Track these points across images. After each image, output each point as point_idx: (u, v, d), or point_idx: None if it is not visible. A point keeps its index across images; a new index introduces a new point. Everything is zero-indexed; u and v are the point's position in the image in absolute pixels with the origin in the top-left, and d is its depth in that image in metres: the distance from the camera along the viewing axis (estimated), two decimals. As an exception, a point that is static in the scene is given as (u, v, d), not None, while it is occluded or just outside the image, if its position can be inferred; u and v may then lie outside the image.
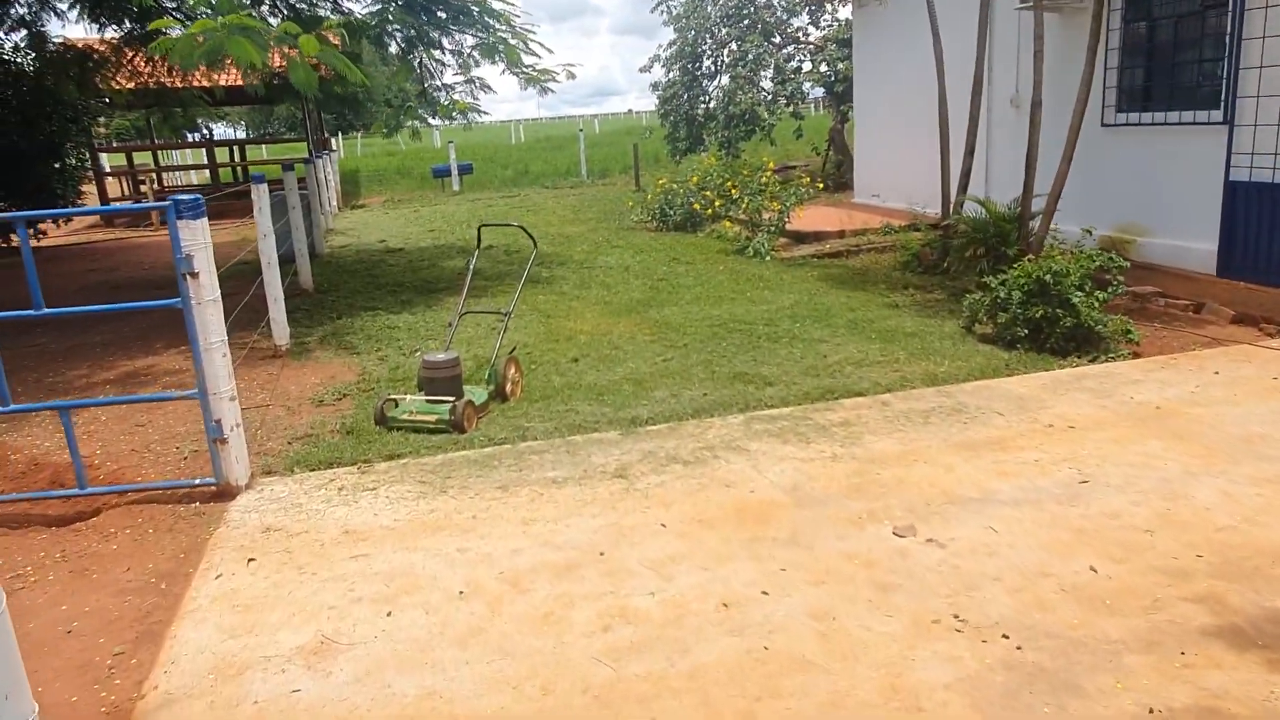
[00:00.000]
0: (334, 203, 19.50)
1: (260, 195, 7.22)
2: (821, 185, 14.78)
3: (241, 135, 53.66)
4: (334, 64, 7.09)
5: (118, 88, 13.18)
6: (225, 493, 4.63)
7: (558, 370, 6.70)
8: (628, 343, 7.41)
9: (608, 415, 5.61)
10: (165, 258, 13.85)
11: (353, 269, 11.97)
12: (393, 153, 36.57)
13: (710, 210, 13.88)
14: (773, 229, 11.38)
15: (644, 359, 6.90)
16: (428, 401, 5.57)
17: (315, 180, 13.14)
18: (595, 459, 4.89)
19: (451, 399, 5.52)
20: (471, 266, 6.74)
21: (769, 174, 14.37)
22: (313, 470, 4.97)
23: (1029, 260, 6.90)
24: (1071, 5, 9.33)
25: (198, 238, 4.31)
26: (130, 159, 22.60)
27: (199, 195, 4.34)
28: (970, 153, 9.16)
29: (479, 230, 6.87)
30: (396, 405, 5.62)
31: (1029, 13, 10.07)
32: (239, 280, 10.20)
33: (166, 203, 4.25)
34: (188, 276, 4.33)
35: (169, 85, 13.04)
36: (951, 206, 9.45)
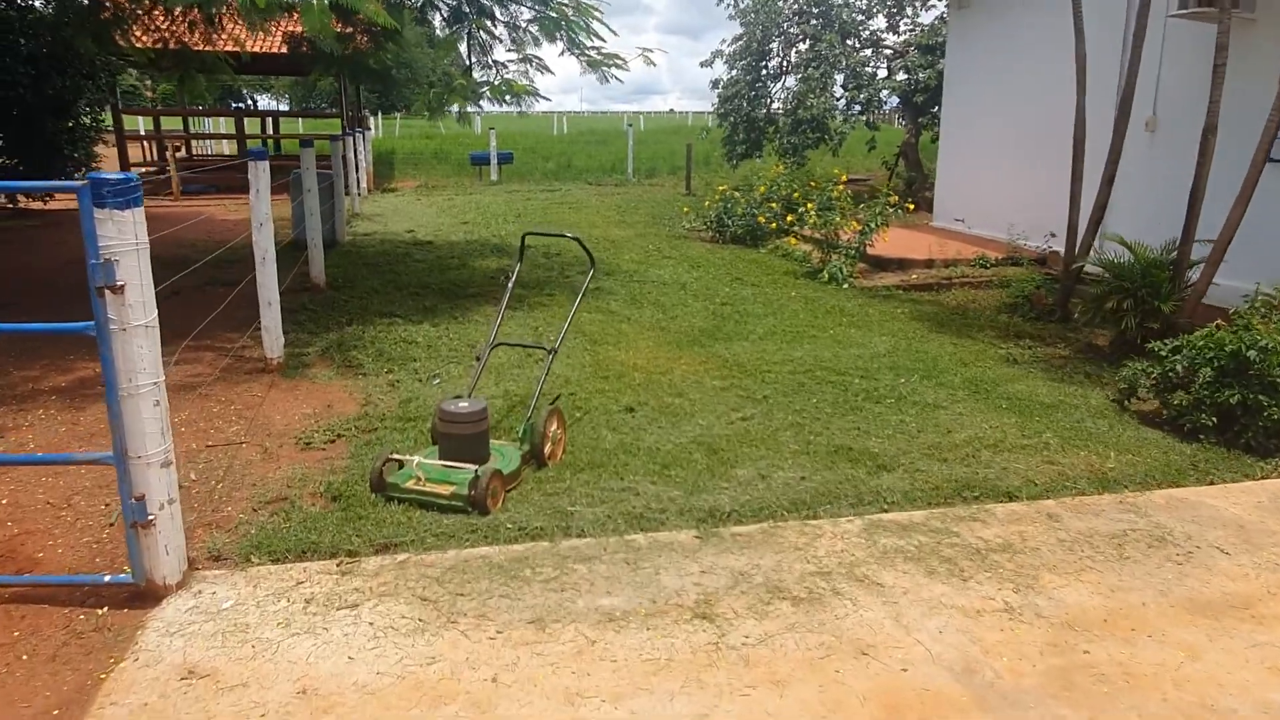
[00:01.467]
0: (364, 185, 18.26)
1: (258, 174, 5.89)
2: (901, 202, 13.37)
3: (284, 108, 52.84)
4: (360, 6, 5.76)
5: (139, 45, 11.96)
6: (147, 595, 3.29)
7: (608, 422, 5.32)
8: (693, 387, 6.02)
9: (677, 501, 4.23)
10: (184, 234, 12.63)
11: (374, 262, 10.66)
12: (431, 135, 35.40)
13: (775, 224, 12.45)
14: (852, 252, 9.94)
15: (715, 413, 5.50)
16: (443, 466, 4.21)
17: (339, 160, 11.86)
18: (666, 579, 3.50)
19: (473, 466, 4.16)
20: (510, 286, 5.35)
21: (841, 188, 12.94)
22: (276, 562, 3.61)
23: (1217, 327, 5.43)
24: (1241, 16, 7.82)
25: (127, 235, 2.97)
26: (158, 123, 21.48)
27: (132, 175, 3.00)
28: (1109, 183, 7.68)
29: (522, 240, 5.49)
30: (400, 467, 4.26)
31: (1177, 23, 8.59)
32: (244, 266, 8.89)
33: (81, 183, 2.91)
34: (108, 291, 3.00)
35: (190, 46, 11.78)
36: (1079, 244, 7.97)
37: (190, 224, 13.18)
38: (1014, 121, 11.20)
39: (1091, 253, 7.85)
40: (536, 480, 4.44)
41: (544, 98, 8.35)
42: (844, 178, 13.28)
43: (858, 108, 15.96)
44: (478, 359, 5.00)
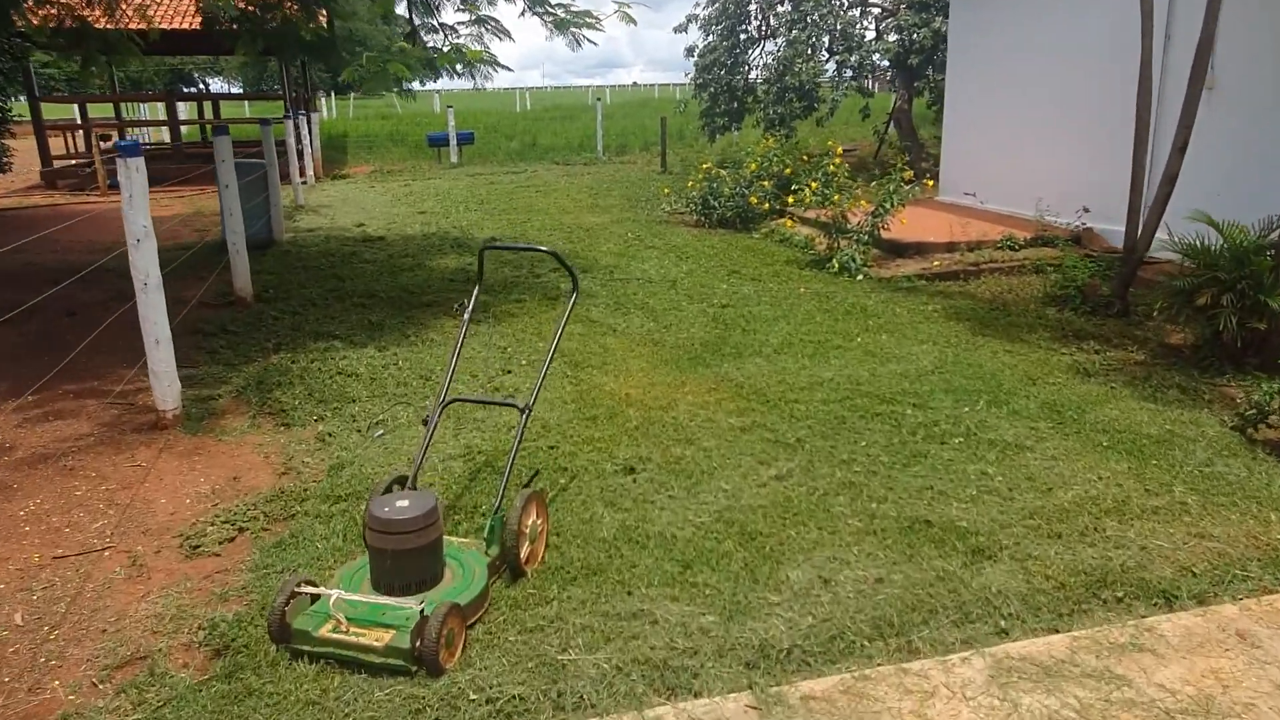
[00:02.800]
0: (311, 173, 16.72)
1: (130, 176, 4.49)
2: (918, 178, 12.16)
3: (238, 91, 50.43)
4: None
5: (36, 24, 10.41)
6: None
7: (603, 491, 4.04)
8: (705, 430, 4.74)
9: (712, 632, 2.97)
10: (97, 235, 11.11)
11: (315, 265, 9.25)
12: (386, 116, 33.63)
13: (768, 205, 11.17)
14: (864, 237, 8.68)
15: (740, 470, 4.24)
16: (373, 603, 2.91)
17: (272, 147, 10.37)
18: (719, 806, 2.24)
19: (414, 601, 2.86)
20: (466, 317, 4.00)
21: (838, 160, 11.67)
22: (106, 799, 2.31)
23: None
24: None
25: None
26: (84, 111, 19.70)
27: None
28: (1181, 150, 6.46)
29: (481, 256, 4.13)
30: (313, 604, 2.96)
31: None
32: (169, 278, 7.41)
33: None
34: None
35: (91, 22, 10.22)
36: (1142, 225, 6.76)
37: (87, 221, 11.66)
38: (1037, 82, 9.96)
39: (1142, 231, 6.64)
40: (510, 602, 3.15)
41: (503, 67, 7.05)
42: (839, 150, 12.01)
43: (849, 72, 14.66)
44: (425, 422, 3.69)
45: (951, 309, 7.22)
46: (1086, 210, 9.10)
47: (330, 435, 4.77)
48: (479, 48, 7.06)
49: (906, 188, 8.78)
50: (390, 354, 6.15)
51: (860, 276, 8.36)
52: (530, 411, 3.61)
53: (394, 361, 5.99)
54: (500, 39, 7.17)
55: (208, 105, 25.77)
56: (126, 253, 4.61)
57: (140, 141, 22.09)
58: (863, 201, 9.05)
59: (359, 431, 4.82)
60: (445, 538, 3.24)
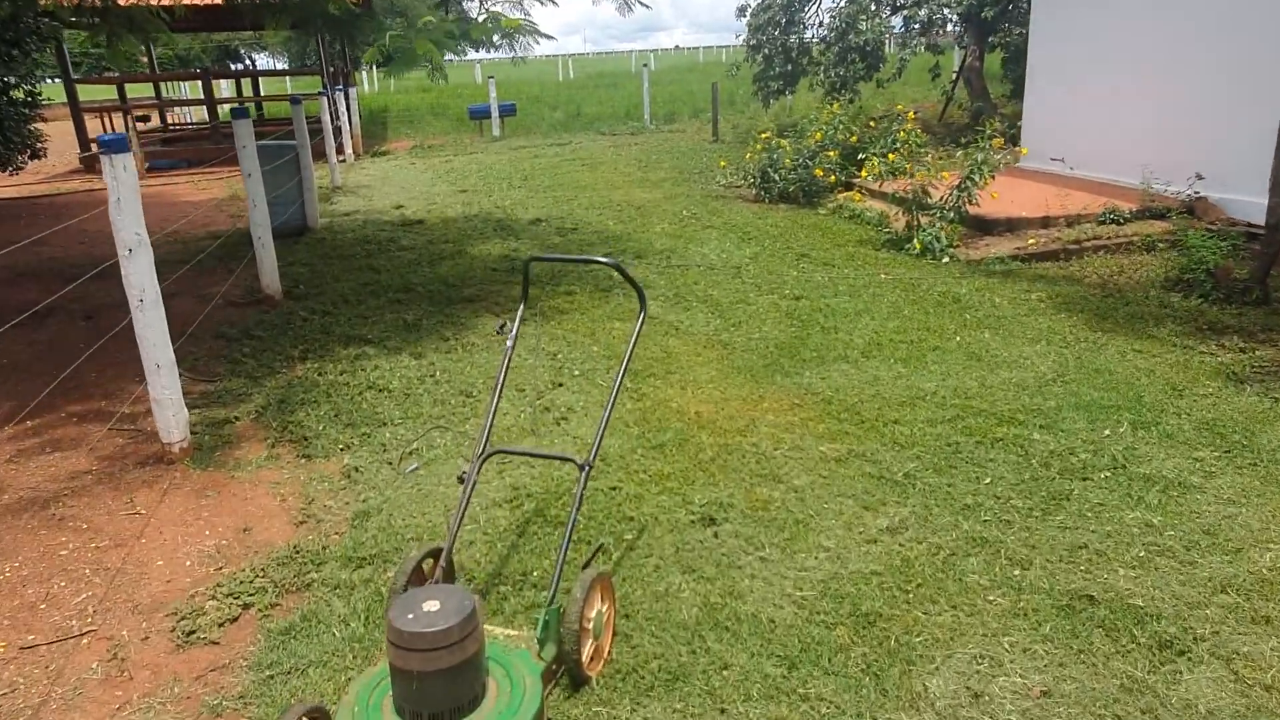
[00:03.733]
0: (349, 151, 16.14)
1: (118, 175, 3.84)
2: (1008, 145, 11.15)
3: (283, 66, 50.12)
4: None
5: (61, 1, 9.89)
6: None
7: (679, 552, 3.33)
8: (793, 461, 4.00)
9: (838, 777, 2.25)
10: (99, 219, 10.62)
11: (349, 254, 8.63)
12: (428, 89, 32.97)
13: (834, 178, 10.28)
14: (949, 214, 7.78)
15: (841, 520, 3.50)
16: (394, 744, 2.24)
17: (303, 126, 9.74)
18: None
19: (450, 745, 2.19)
20: (511, 345, 3.27)
21: (910, 126, 10.71)
22: None
23: None
24: None
25: None
26: (122, 91, 19.34)
27: None
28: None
29: (526, 269, 3.38)
30: (320, 739, 2.30)
31: None
32: (191, 267, 6.80)
33: None
34: None
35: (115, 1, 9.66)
36: (1290, 197, 5.80)
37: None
38: (1141, 27, 8.88)
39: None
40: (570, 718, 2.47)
41: (544, 35, 6.25)
42: (911, 114, 11.04)
43: (916, 27, 13.56)
44: (461, 479, 3.01)
45: (1059, 297, 6.34)
46: (1200, 177, 8.09)
47: (357, 470, 4.13)
48: (518, 15, 6.28)
49: (998, 156, 7.84)
50: (427, 363, 5.49)
51: (946, 259, 7.49)
52: (591, 468, 2.90)
53: (431, 373, 5.33)
54: (542, 3, 6.38)
55: (247, 82, 25.39)
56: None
57: (178, 123, 21.62)
58: (944, 173, 8.13)
59: (389, 464, 4.18)
60: (488, 629, 2.58)
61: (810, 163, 10.34)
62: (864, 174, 8.73)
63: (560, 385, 5.05)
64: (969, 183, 7.70)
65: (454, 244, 9.01)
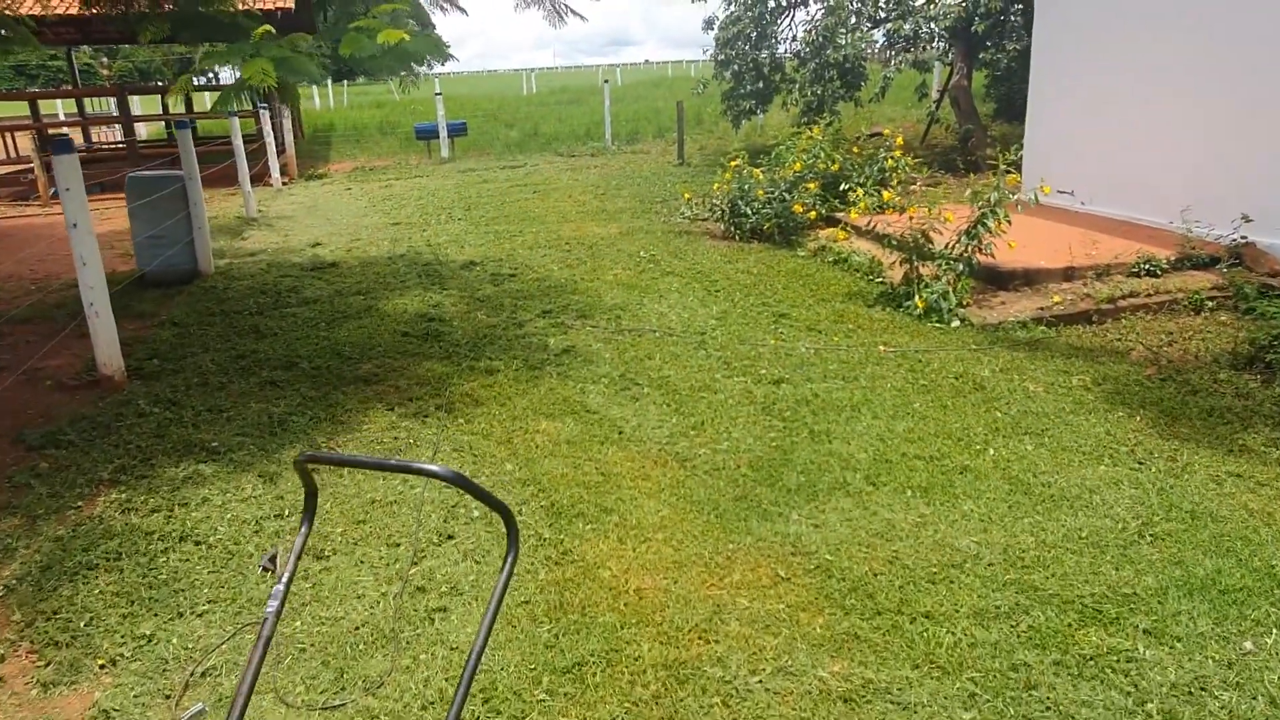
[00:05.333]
0: (276, 175, 14.60)
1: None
2: (1005, 174, 9.94)
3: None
4: None
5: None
6: None
7: None
8: (779, 696, 2.60)
9: None
10: (14, 256, 9.07)
11: (235, 309, 7.14)
12: (382, 104, 31.45)
13: (815, 214, 8.95)
14: (959, 266, 6.44)
15: None
16: None
17: (190, 153, 8.20)
18: None
19: None
20: (285, 581, 1.83)
21: (898, 153, 9.45)
22: None
23: None
24: None
25: None
26: (35, 108, 17.66)
27: None
28: None
29: (303, 472, 1.89)
30: None
31: None
32: (42, 332, 5.39)
33: None
34: None
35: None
36: None
37: (12, 238, 9.61)
38: (1175, 39, 7.64)
39: None
40: None
41: (441, 56, 4.82)
42: (899, 139, 9.76)
43: (900, 42, 12.33)
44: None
45: (1107, 382, 5.00)
46: (1247, 219, 6.83)
47: (110, 716, 2.66)
48: (409, 26, 4.89)
49: (1015, 195, 6.51)
50: (276, 493, 4.02)
51: (956, 322, 6.15)
52: None
53: (278, 510, 3.86)
54: (444, 10, 4.99)
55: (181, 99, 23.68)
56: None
57: (105, 141, 19.71)
58: (946, 213, 6.78)
59: (167, 698, 2.71)
60: None
61: (787, 196, 9.00)
62: (852, 214, 7.35)
63: (449, 539, 3.60)
64: (981, 228, 6.37)
65: (366, 296, 7.54)
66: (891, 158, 9.48)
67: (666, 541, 3.50)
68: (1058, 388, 4.94)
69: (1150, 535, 3.40)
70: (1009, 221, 6.37)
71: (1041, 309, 6.24)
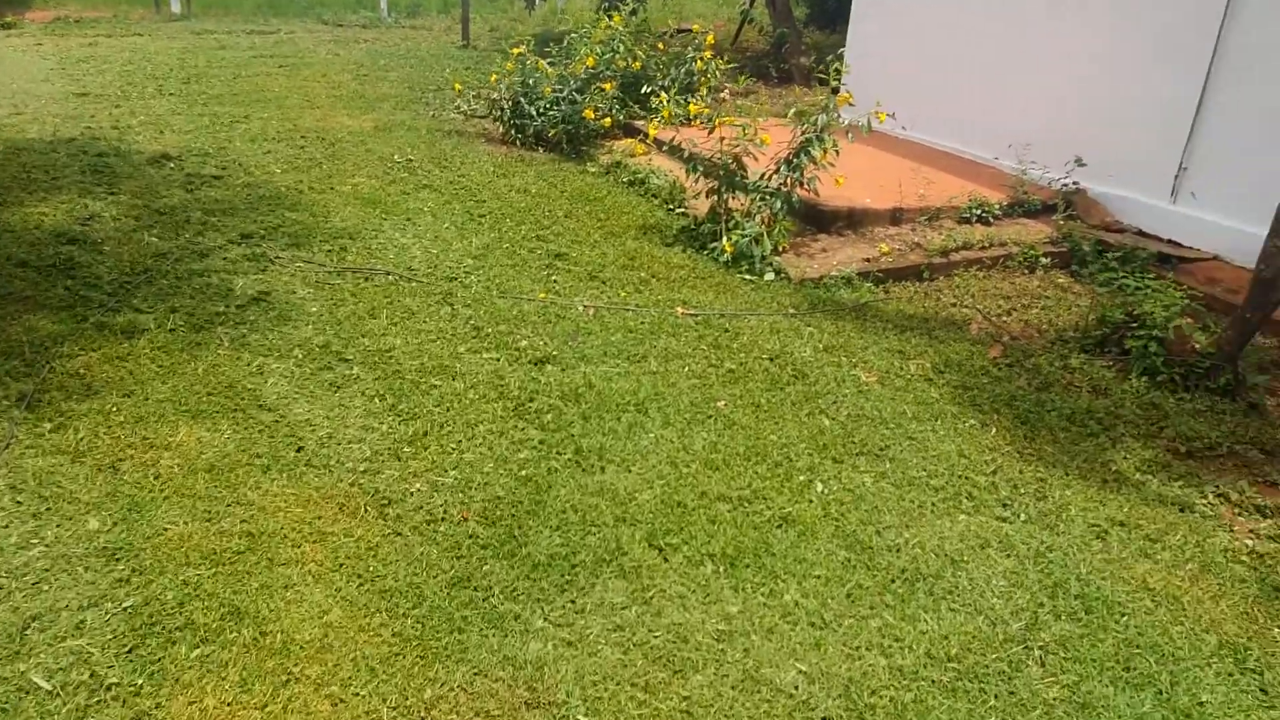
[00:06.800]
0: (-70, 16, 11.21)
1: None
2: (798, 78, 8.88)
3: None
4: None
5: None
6: None
7: None
8: None
9: None
10: None
11: None
12: (116, -57, 26.23)
13: (609, 120, 7.52)
14: (776, 203, 5.25)
15: None
16: None
17: None
18: None
19: None
20: None
21: (708, 55, 8.17)
22: None
23: None
24: None
25: None
26: None
27: None
28: None
29: None
30: None
31: None
32: None
33: None
34: None
35: None
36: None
37: None
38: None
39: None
40: None
41: None
42: (711, 37, 8.43)
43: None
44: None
45: (950, 371, 4.02)
46: (1080, 163, 6.09)
47: None
48: None
49: (845, 119, 5.35)
50: None
51: (770, 274, 5.01)
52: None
53: None
54: None
55: None
56: None
57: None
58: (763, 134, 5.52)
59: None
60: None
61: (578, 97, 7.48)
62: (652, 130, 5.94)
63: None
64: (804, 156, 5.20)
65: (-7, 196, 5.41)
66: (701, 59, 8.18)
67: (323, 683, 2.12)
68: (894, 377, 3.90)
69: (1039, 648, 2.39)
70: (837, 151, 5.24)
71: (868, 260, 5.22)
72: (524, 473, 3.00)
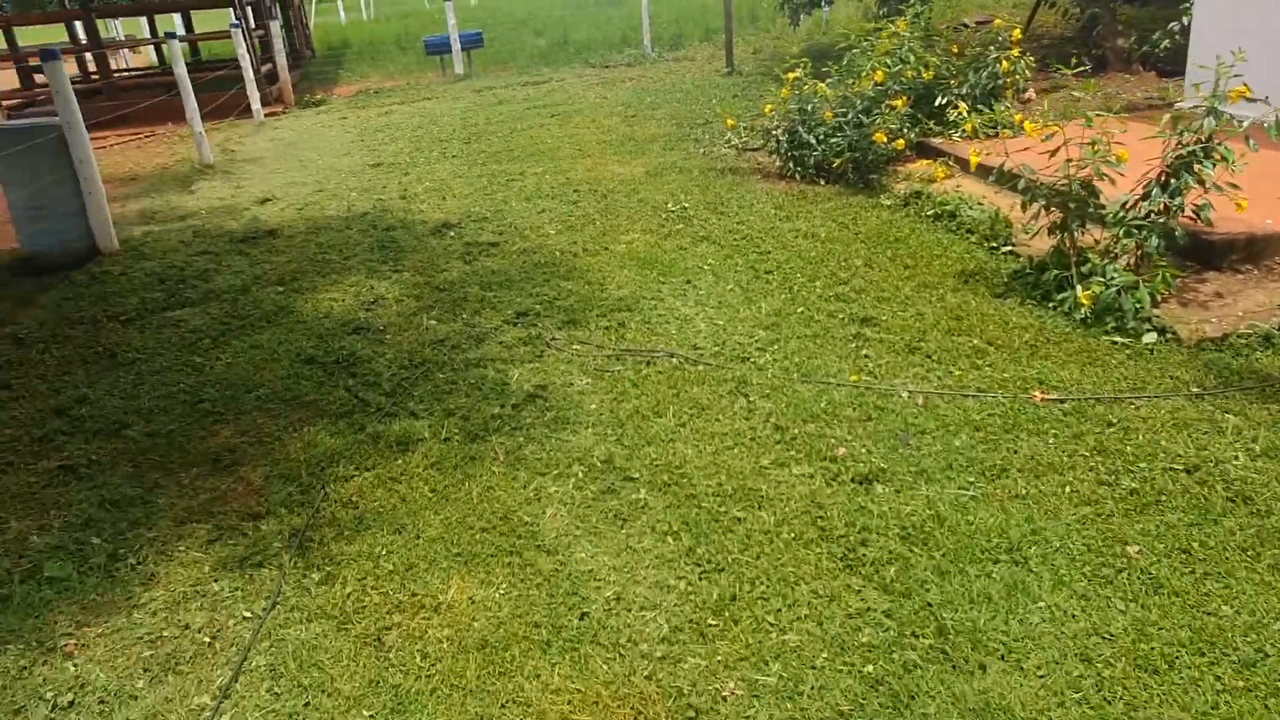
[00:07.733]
0: (257, 105, 12.49)
1: None
2: (1116, 61, 7.41)
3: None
4: None
5: None
6: None
7: None
8: None
9: None
10: None
11: (107, 316, 5.19)
12: (409, 13, 28.88)
13: (901, 141, 6.58)
14: (1149, 235, 4.08)
15: None
16: None
17: (66, 90, 6.16)
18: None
19: None
20: None
21: (1015, 53, 7.00)
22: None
23: None
24: None
25: None
26: (10, 36, 15.76)
27: None
28: None
29: None
30: None
31: None
32: None
33: None
34: None
35: None
36: None
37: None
38: None
39: None
40: None
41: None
42: (1016, 32, 7.22)
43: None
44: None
45: None
46: None
47: None
48: None
49: (1244, 118, 4.07)
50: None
51: (1150, 335, 3.86)
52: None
53: None
54: None
55: (167, 20, 21.52)
56: None
57: (121, 70, 17.24)
58: (1118, 148, 4.33)
59: None
60: None
61: (864, 119, 6.60)
62: (973, 157, 4.91)
63: None
64: (1187, 176, 3.99)
65: (289, 285, 5.52)
66: (1007, 58, 7.01)
67: None
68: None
69: None
70: (1235, 167, 3.97)
71: (1289, 309, 3.90)
72: (870, 669, 2.22)
